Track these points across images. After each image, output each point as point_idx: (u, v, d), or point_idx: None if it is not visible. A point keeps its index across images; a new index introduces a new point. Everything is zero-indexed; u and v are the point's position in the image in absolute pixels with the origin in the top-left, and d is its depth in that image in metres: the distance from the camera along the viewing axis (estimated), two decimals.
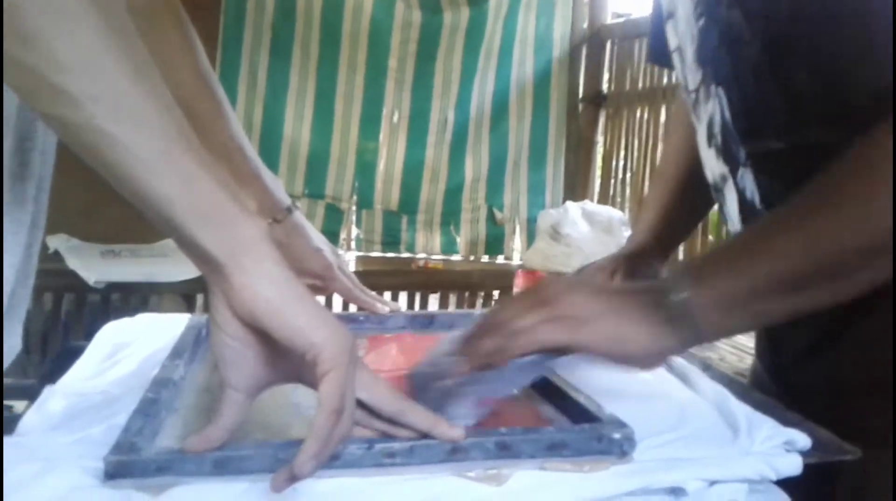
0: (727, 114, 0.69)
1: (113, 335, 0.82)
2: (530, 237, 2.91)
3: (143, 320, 0.89)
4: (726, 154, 0.71)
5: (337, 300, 0.91)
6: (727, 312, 0.57)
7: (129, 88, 0.45)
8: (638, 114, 2.87)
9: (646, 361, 0.59)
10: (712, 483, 0.51)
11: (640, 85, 2.88)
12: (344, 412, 0.47)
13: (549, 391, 0.63)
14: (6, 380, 0.68)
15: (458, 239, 3.09)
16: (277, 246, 0.49)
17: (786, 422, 0.57)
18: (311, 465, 0.45)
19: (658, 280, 0.62)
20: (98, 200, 0.43)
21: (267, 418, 0.58)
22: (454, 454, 0.50)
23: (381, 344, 0.79)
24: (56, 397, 0.61)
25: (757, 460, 0.53)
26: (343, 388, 0.47)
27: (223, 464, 0.48)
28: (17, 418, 0.57)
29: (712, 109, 0.71)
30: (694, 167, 0.82)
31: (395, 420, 0.51)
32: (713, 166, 0.74)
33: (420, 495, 0.48)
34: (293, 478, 0.45)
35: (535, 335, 0.57)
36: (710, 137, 0.73)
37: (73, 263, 2.34)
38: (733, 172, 0.71)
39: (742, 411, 0.60)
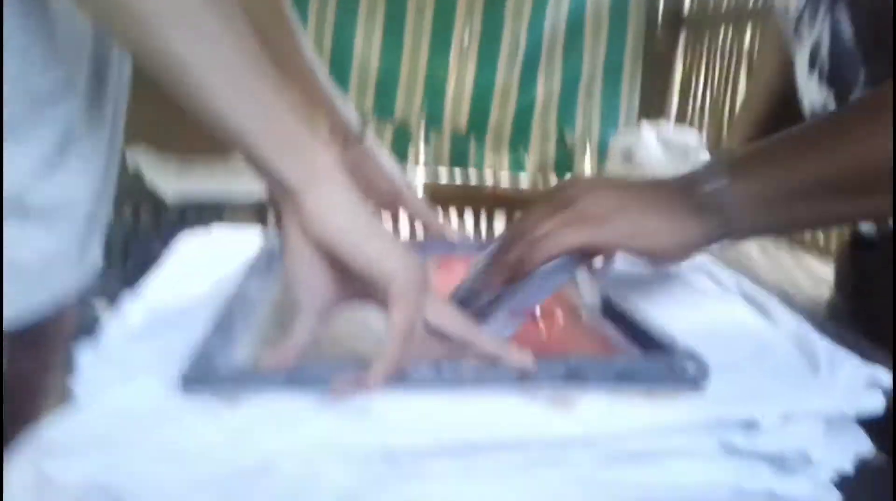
0: (846, 33, 0.64)
1: (189, 247, 0.84)
2: (601, 160, 2.85)
3: (219, 233, 0.91)
4: (833, 79, 0.66)
5: (404, 226, 0.90)
6: (762, 207, 0.55)
7: (204, 14, 0.45)
8: (721, 35, 2.74)
9: (670, 254, 0.58)
10: (788, 418, 0.50)
11: (724, 5, 2.74)
12: (413, 337, 0.47)
13: (620, 320, 0.62)
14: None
15: (528, 160, 3.05)
16: (348, 171, 0.49)
17: (868, 358, 0.55)
18: (377, 382, 0.46)
19: (692, 171, 0.59)
20: (175, 110, 0.44)
21: (337, 333, 0.59)
22: (522, 379, 0.50)
23: (449, 265, 0.79)
24: (136, 307, 0.63)
25: (837, 396, 0.51)
26: (413, 316, 0.48)
27: (296, 379, 0.49)
28: (97, 323, 0.59)
29: (820, 31, 0.66)
30: (783, 101, 0.78)
31: (463, 346, 0.51)
32: (814, 95, 0.70)
33: (487, 417, 0.48)
34: (358, 388, 0.46)
35: (557, 239, 0.56)
36: (814, 62, 0.68)
37: (150, 180, 2.40)
38: (841, 98, 0.66)
39: (822, 345, 0.58)
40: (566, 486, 0.46)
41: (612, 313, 0.63)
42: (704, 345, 0.54)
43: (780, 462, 0.48)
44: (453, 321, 0.51)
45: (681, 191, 0.56)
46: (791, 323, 0.63)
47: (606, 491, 0.46)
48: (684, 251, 0.58)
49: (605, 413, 0.49)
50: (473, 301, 0.59)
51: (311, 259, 0.49)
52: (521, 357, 0.50)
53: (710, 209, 0.55)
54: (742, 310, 0.68)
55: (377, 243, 0.48)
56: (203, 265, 0.77)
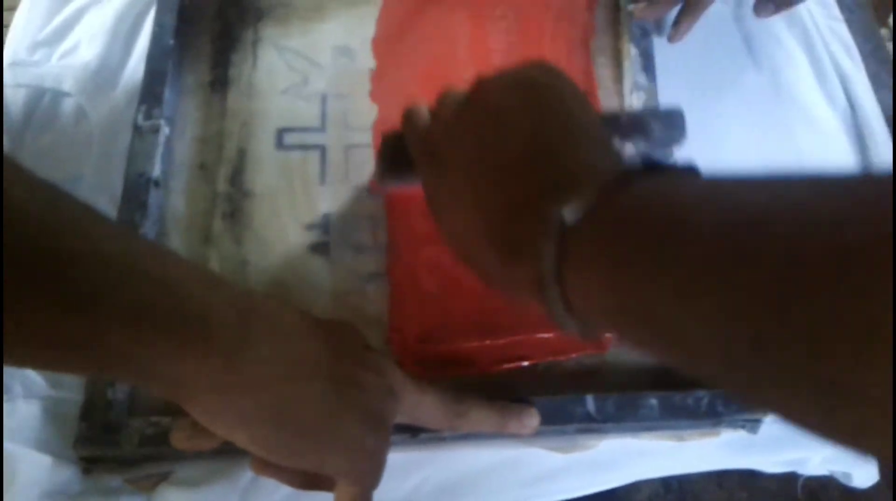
0: None
1: None
2: None
3: None
4: None
5: None
6: (613, 283, 0.25)
7: None
8: None
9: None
10: None
11: None
12: None
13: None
14: None
15: None
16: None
17: None
18: None
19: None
20: None
21: None
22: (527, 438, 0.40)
23: None
24: None
25: None
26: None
27: None
28: None
29: None
30: None
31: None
32: None
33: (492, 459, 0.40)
34: None
35: None
36: None
37: None
38: None
39: None
40: None
41: None
42: None
43: None
44: (435, 415, 0.38)
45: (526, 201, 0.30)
46: None
47: None
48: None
49: (624, 455, 0.40)
50: None
51: None
52: (525, 428, 0.39)
53: (536, 250, 0.28)
54: None
55: (312, 457, 0.34)
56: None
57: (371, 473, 0.35)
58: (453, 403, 0.38)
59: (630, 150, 0.43)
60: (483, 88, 0.35)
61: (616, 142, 0.41)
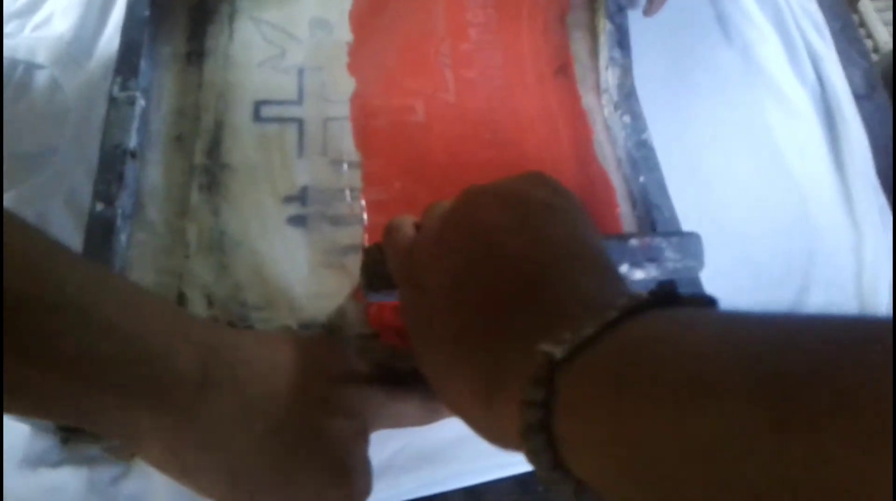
0: None
1: None
2: None
3: None
4: None
5: None
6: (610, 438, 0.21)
7: None
8: None
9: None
10: None
11: None
12: None
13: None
14: None
15: None
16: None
17: None
18: None
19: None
20: None
21: None
22: None
23: None
24: None
25: None
26: None
27: None
28: None
29: None
30: None
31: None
32: None
33: None
34: None
35: None
36: None
37: None
38: None
39: None
40: None
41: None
42: None
43: None
44: (414, 417, 0.39)
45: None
46: None
47: None
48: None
49: None
50: None
51: None
52: None
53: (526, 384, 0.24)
54: None
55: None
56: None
57: None
58: (429, 401, 0.38)
59: (640, 276, 0.39)
60: (471, 202, 0.31)
61: (624, 268, 0.38)
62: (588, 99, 0.52)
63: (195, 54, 0.50)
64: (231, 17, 0.52)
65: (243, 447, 0.31)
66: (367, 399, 0.36)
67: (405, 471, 0.40)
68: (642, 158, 0.47)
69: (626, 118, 0.49)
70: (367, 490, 0.34)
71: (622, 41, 0.52)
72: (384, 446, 0.41)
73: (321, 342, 0.37)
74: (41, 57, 0.51)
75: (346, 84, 0.50)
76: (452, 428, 0.42)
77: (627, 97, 0.50)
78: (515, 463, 0.43)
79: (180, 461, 0.31)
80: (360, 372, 0.38)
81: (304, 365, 0.34)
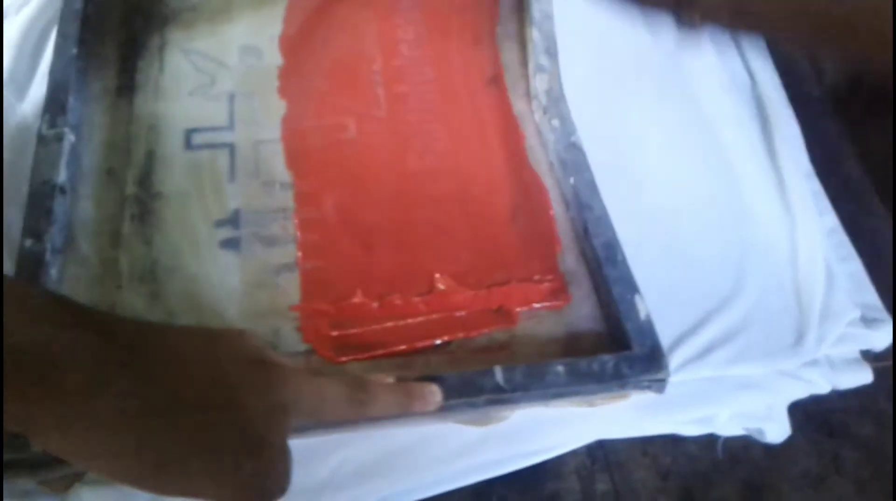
0: None
1: None
2: None
3: None
4: None
5: None
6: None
7: None
8: None
9: None
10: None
11: None
12: None
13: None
14: None
15: None
16: None
17: None
18: None
19: None
20: None
21: None
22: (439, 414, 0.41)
23: None
24: None
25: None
26: None
27: None
28: None
29: None
30: None
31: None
32: None
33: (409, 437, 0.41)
34: None
35: None
36: None
37: None
38: None
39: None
40: None
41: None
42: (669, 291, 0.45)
43: None
44: (339, 408, 0.37)
45: None
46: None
47: None
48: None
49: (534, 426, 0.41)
50: None
51: None
52: (428, 405, 0.39)
53: None
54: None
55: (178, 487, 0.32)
56: None
57: (257, 496, 0.33)
58: (356, 391, 0.37)
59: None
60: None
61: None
62: (519, 106, 0.52)
63: (126, 88, 0.51)
64: (161, 50, 0.52)
65: (151, 423, 0.31)
66: (287, 378, 0.35)
67: (343, 489, 0.40)
68: (572, 159, 0.48)
69: (556, 122, 0.49)
70: (284, 470, 0.33)
71: (549, 48, 0.52)
72: (322, 464, 0.40)
73: (234, 330, 0.37)
74: None
75: (277, 107, 0.50)
76: (389, 441, 0.42)
77: (556, 102, 0.50)
78: (470, 472, 0.42)
79: (87, 446, 0.30)
80: (278, 358, 0.37)
81: (216, 347, 0.34)
